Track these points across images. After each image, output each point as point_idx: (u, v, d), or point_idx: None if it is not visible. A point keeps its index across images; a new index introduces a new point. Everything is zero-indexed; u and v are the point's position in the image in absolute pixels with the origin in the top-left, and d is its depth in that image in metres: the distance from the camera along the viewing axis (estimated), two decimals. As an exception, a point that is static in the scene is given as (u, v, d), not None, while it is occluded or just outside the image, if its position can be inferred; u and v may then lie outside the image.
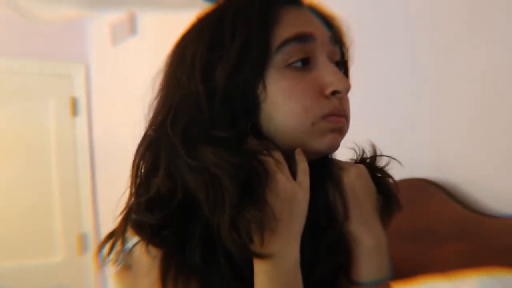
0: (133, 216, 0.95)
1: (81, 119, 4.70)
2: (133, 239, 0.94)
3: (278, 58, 0.93)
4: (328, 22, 1.02)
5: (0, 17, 3.81)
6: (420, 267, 2.19)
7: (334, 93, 0.93)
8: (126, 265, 0.95)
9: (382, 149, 2.44)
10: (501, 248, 1.99)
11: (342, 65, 1.03)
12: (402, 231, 2.32)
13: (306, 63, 0.94)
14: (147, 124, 1.00)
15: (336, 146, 0.96)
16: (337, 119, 0.94)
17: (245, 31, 0.92)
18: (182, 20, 1.03)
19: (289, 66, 0.93)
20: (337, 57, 0.99)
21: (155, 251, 0.91)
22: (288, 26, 0.94)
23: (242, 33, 0.92)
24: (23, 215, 4.38)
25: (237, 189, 0.86)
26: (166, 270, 0.90)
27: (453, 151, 2.23)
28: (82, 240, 4.60)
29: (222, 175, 0.87)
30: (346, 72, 1.05)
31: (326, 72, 0.94)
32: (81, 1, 2.71)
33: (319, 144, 0.94)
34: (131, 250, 0.94)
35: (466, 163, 2.18)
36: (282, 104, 0.92)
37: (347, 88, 0.95)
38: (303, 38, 0.93)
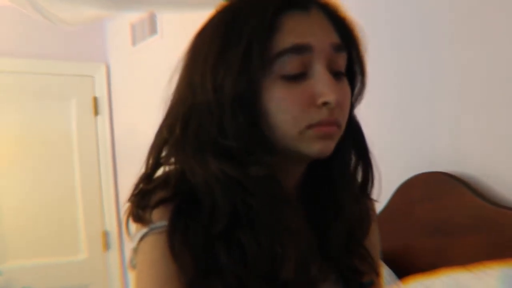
0: (142, 186, 1.01)
1: (103, 118, 4.74)
2: (137, 234, 0.98)
3: (274, 68, 0.94)
4: (338, 26, 1.01)
5: (23, 19, 3.84)
6: (441, 259, 2.20)
7: (324, 103, 0.94)
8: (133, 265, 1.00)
9: (401, 143, 2.47)
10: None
11: (349, 71, 1.03)
12: (422, 224, 2.33)
13: (301, 73, 0.95)
14: (162, 119, 1.04)
15: (327, 152, 0.98)
16: (324, 129, 0.95)
17: (248, 36, 0.93)
18: (202, 19, 1.05)
19: (283, 76, 0.94)
20: (340, 64, 0.99)
21: (157, 240, 0.95)
22: (287, 35, 0.94)
23: (246, 38, 0.93)
24: (47, 214, 4.42)
25: (227, 208, 0.93)
26: (172, 243, 0.93)
27: (472, 144, 2.22)
28: (106, 238, 4.65)
29: (218, 191, 0.94)
30: (352, 77, 1.04)
31: (319, 83, 0.94)
32: (102, 2, 2.74)
33: (309, 150, 0.96)
34: (136, 246, 0.98)
35: (485, 156, 2.18)
36: (275, 113, 0.95)
37: (338, 100, 0.95)
38: (299, 49, 0.94)
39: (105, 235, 4.65)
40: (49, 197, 4.45)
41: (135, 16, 4.34)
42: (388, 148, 2.51)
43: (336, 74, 0.98)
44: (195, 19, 1.06)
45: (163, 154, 1.02)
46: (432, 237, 2.27)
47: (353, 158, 1.08)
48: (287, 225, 0.95)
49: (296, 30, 0.95)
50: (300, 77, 0.95)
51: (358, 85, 1.06)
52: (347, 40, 1.01)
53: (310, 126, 0.95)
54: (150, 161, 1.03)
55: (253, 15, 0.95)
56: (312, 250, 1.01)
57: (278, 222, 0.94)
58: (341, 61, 0.99)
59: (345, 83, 1.00)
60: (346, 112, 1.00)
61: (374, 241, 1.17)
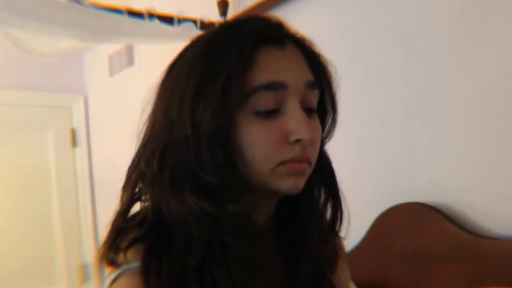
0: (120, 224, 0.99)
1: (81, 150, 4.72)
2: (110, 275, 0.96)
3: (248, 103, 0.94)
4: (312, 62, 1.02)
5: (0, 51, 3.83)
6: (419, 289, 2.20)
7: (297, 141, 0.95)
8: None
9: (378, 175, 2.47)
10: (497, 269, 2.00)
11: (320, 107, 1.04)
12: (401, 254, 2.32)
13: (274, 109, 0.95)
14: (136, 153, 1.03)
15: (297, 188, 0.98)
16: (296, 166, 0.96)
17: (227, 72, 0.92)
18: (178, 50, 1.05)
19: (257, 112, 0.94)
20: (313, 101, 1.00)
21: (130, 282, 0.93)
22: (263, 72, 0.94)
23: (224, 74, 0.92)
24: (24, 246, 4.37)
25: (202, 243, 0.92)
26: (147, 283, 0.91)
27: (448, 175, 2.23)
28: (84, 271, 4.59)
29: (193, 226, 0.92)
30: (324, 113, 1.05)
31: (293, 120, 0.95)
32: (79, 34, 2.74)
33: (279, 186, 0.96)
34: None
35: (461, 186, 2.19)
36: (248, 149, 0.94)
37: (311, 137, 0.96)
38: (273, 86, 0.94)
39: (83, 267, 4.60)
40: (27, 228, 4.41)
41: (112, 47, 4.34)
42: (365, 180, 2.52)
43: (308, 111, 0.98)
44: (172, 50, 1.05)
45: (137, 189, 1.01)
46: (411, 267, 2.27)
47: (323, 195, 1.09)
48: (260, 262, 0.94)
49: (272, 67, 0.95)
50: (273, 113, 0.95)
51: (329, 121, 1.07)
52: (320, 76, 1.02)
53: (281, 163, 0.95)
54: (125, 197, 1.02)
55: (231, 49, 0.94)
56: (283, 286, 1.02)
57: (251, 259, 0.94)
58: (314, 98, 1.00)
59: (316, 120, 1.01)
60: (317, 149, 1.00)
61: (344, 279, 1.18)
